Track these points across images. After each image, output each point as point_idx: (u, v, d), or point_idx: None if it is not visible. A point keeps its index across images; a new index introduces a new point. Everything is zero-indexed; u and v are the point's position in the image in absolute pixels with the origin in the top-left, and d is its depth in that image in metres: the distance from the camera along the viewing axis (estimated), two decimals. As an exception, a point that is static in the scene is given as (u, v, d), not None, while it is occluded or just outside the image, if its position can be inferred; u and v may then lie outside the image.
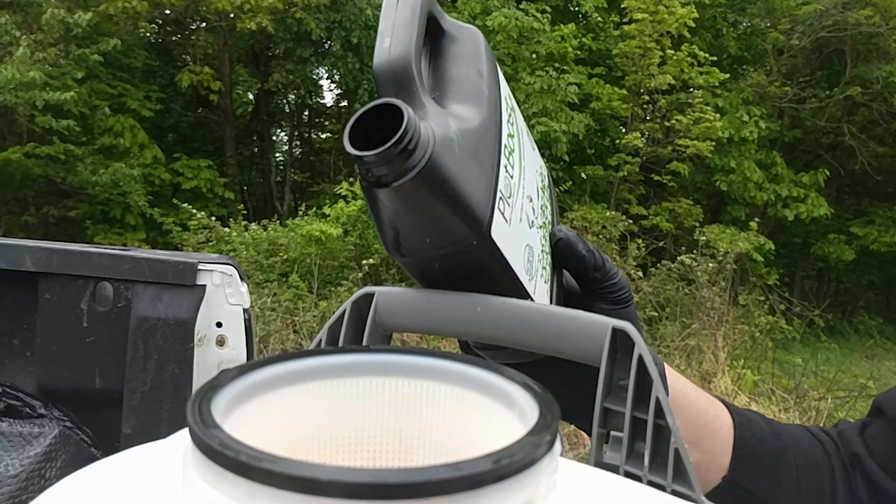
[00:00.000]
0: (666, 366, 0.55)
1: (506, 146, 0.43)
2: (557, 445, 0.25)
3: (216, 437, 0.22)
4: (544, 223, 0.50)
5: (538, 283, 0.47)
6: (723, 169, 8.61)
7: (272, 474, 0.20)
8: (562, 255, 0.49)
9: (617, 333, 0.34)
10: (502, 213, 0.41)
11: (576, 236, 0.49)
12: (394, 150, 0.35)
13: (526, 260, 0.45)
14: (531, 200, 0.48)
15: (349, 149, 0.36)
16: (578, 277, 0.50)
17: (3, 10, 7.17)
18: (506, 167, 0.43)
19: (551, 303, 0.50)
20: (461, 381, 0.31)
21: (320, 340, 0.41)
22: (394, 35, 0.38)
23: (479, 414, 0.30)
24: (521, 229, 0.45)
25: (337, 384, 0.30)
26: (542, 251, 0.49)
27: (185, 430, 0.26)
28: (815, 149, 10.16)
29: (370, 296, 0.43)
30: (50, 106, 6.86)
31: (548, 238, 0.50)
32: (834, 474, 0.59)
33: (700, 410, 0.57)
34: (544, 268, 0.48)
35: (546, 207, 0.52)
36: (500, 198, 0.41)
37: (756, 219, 8.35)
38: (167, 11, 8.90)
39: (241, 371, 0.28)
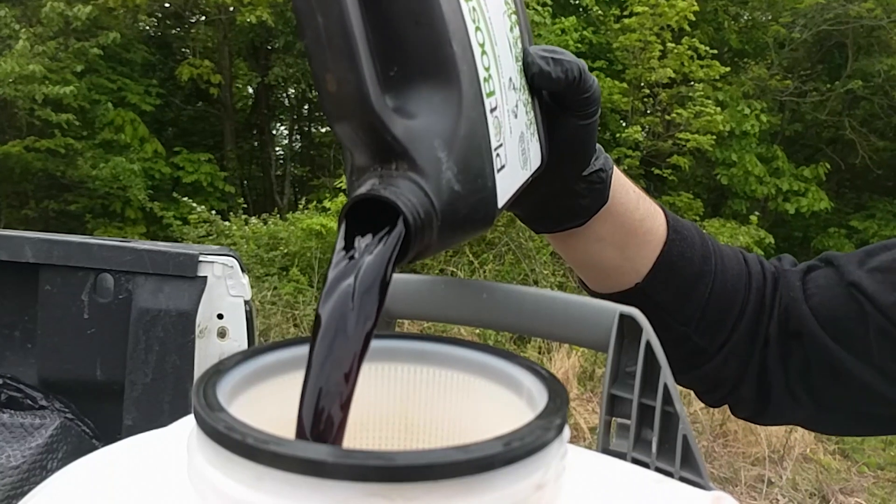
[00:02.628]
0: (615, 168, 0.56)
1: (485, 79, 0.35)
2: (566, 431, 0.25)
3: (222, 420, 0.22)
4: (520, 69, 0.43)
5: (530, 154, 0.43)
6: (724, 163, 8.60)
7: (279, 457, 0.20)
8: (537, 85, 0.46)
9: (624, 319, 0.34)
10: (502, 169, 0.37)
11: (547, 61, 0.45)
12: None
13: (521, 153, 0.41)
14: (511, 80, 0.40)
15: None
16: (552, 95, 0.48)
17: (2, 3, 7.15)
18: (492, 111, 0.36)
19: (542, 153, 0.46)
20: (467, 367, 0.30)
21: (324, 328, 0.40)
22: (334, 64, 0.28)
23: (485, 400, 0.29)
24: (512, 144, 0.39)
25: (342, 369, 0.29)
26: (526, 106, 0.44)
27: (188, 418, 0.25)
28: (815, 142, 10.14)
29: (374, 283, 0.43)
30: (49, 100, 6.84)
31: (523, 71, 0.44)
32: (744, 310, 0.60)
33: (635, 221, 0.58)
34: (530, 121, 0.44)
35: (518, 37, 0.44)
36: (497, 156, 0.36)
37: (756, 213, 8.35)
38: (167, 4, 8.88)
39: (246, 356, 0.28)
